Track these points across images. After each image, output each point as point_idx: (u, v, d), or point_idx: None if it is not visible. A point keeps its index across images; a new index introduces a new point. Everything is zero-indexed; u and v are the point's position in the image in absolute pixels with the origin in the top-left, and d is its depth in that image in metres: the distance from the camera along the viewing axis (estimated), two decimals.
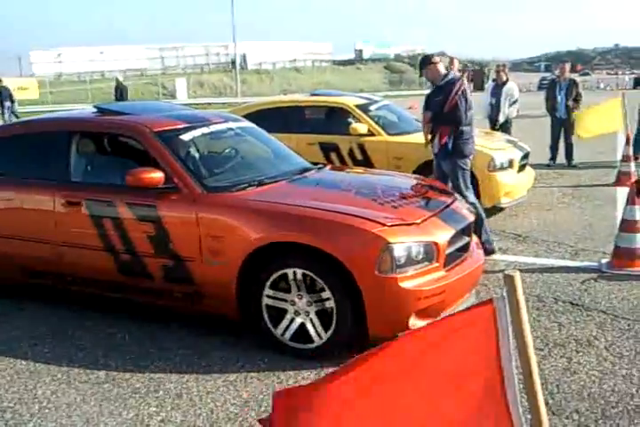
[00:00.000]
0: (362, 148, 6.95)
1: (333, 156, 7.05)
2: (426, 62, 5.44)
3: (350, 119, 7.18)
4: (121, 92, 16.49)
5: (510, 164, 6.69)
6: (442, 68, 5.38)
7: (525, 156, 7.17)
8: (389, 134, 6.96)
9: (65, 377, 3.40)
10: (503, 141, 7.35)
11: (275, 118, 7.10)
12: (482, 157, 6.49)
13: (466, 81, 5.45)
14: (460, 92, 5.17)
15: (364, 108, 7.27)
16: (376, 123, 7.10)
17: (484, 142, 6.99)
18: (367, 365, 1.46)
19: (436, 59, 5.48)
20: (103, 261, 3.97)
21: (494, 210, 6.67)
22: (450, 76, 5.32)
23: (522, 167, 7.02)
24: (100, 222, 3.93)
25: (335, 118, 7.43)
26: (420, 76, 5.81)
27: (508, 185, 6.59)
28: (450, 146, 5.27)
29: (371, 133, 6.96)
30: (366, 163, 6.79)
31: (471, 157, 5.48)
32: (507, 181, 6.58)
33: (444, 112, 5.21)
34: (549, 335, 3.73)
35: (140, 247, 3.83)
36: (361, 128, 6.88)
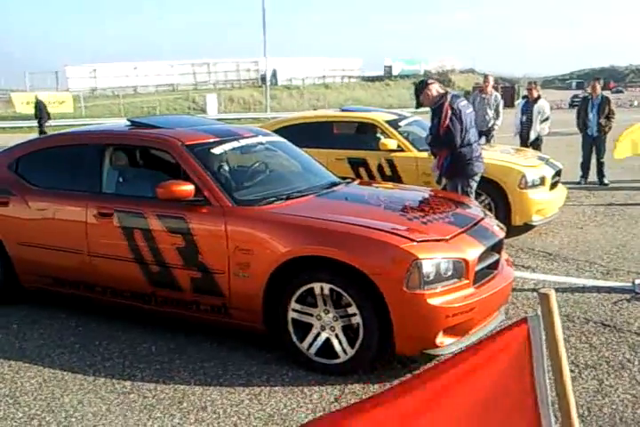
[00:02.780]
0: (391, 163, 6.94)
1: (362, 171, 7.06)
2: (421, 88, 5.35)
3: (380, 135, 7.19)
4: (40, 109, 16.29)
5: (542, 181, 6.61)
6: (434, 92, 5.32)
7: (557, 173, 7.08)
8: (419, 150, 6.94)
9: (91, 386, 3.42)
10: (535, 158, 7.28)
11: (304, 133, 7.14)
12: (513, 174, 6.44)
13: (457, 101, 5.25)
14: (449, 114, 5.10)
15: (393, 124, 7.27)
16: (405, 138, 7.10)
17: (515, 159, 6.94)
18: (402, 395, 1.42)
19: (430, 81, 5.45)
20: (133, 272, 4.01)
21: (524, 228, 6.58)
22: (440, 99, 5.24)
23: (554, 185, 6.93)
24: (131, 234, 3.98)
25: (365, 134, 7.45)
26: (418, 106, 5.53)
27: (539, 203, 6.50)
28: (447, 168, 5.24)
29: (400, 149, 6.95)
30: (395, 178, 6.77)
31: (477, 178, 5.43)
32: (538, 198, 6.49)
33: (439, 135, 5.19)
34: (580, 356, 3.64)
35: (170, 259, 3.86)
36: (390, 144, 6.88)
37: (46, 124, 15.18)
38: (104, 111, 36.89)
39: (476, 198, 6.28)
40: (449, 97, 5.24)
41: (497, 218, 6.24)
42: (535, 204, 6.47)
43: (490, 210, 6.36)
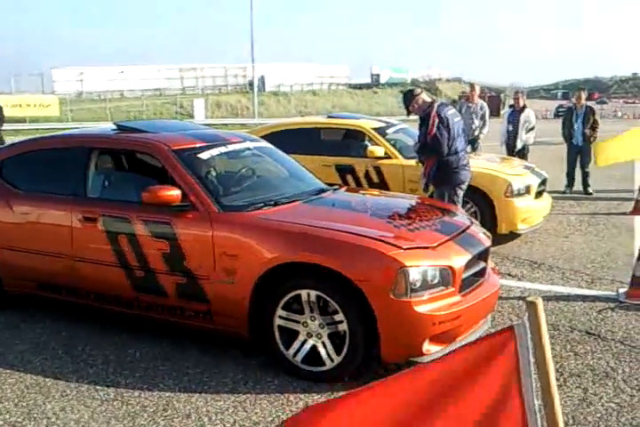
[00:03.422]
0: (378, 170, 6.97)
1: (349, 178, 7.07)
2: (410, 97, 5.39)
3: (367, 142, 7.21)
4: None
5: (527, 190, 6.66)
6: (423, 100, 5.36)
7: (543, 182, 7.14)
8: (406, 158, 6.96)
9: (74, 393, 3.38)
10: (521, 167, 7.33)
11: (292, 140, 7.14)
12: (499, 183, 6.48)
13: (444, 110, 5.29)
14: (437, 123, 5.14)
15: (380, 131, 7.30)
16: (392, 146, 7.13)
17: (501, 168, 6.98)
18: (381, 392, 1.43)
19: (418, 91, 5.50)
20: (117, 277, 3.97)
21: (510, 236, 6.61)
22: (428, 107, 5.28)
23: (539, 194, 6.98)
24: (116, 238, 3.95)
25: (352, 141, 7.46)
26: (408, 114, 5.59)
27: (525, 211, 6.55)
28: (432, 176, 5.28)
29: (387, 156, 6.98)
30: (382, 185, 6.79)
31: (464, 186, 5.47)
32: (524, 207, 6.54)
33: (427, 143, 5.22)
34: (565, 365, 3.66)
35: (155, 264, 3.83)
36: (377, 151, 6.90)
37: (2, 128, 14.61)
38: (90, 115, 36.66)
39: (462, 207, 6.32)
40: (436, 105, 5.27)
41: (483, 226, 6.30)
42: (521, 212, 6.51)
43: (476, 218, 6.40)
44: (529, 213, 6.62)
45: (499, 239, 6.12)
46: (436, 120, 5.15)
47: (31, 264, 4.34)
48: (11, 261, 4.44)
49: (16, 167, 4.63)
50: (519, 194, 6.54)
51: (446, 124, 5.19)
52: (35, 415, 3.16)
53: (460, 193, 5.46)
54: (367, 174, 7.01)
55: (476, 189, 6.27)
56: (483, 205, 6.43)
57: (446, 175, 5.29)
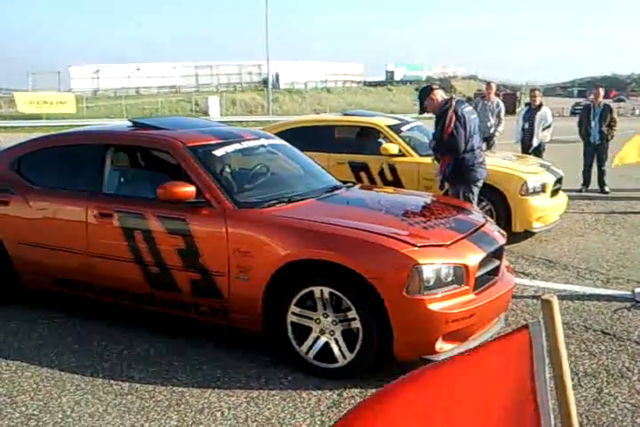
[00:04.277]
0: (392, 168, 6.95)
1: (363, 175, 7.06)
2: (425, 94, 5.37)
3: (381, 139, 7.19)
4: None
5: (543, 188, 6.61)
6: (439, 97, 5.33)
7: (559, 180, 7.08)
8: (420, 155, 6.94)
9: (89, 387, 3.41)
10: (536, 165, 7.28)
11: (306, 137, 7.14)
12: (515, 181, 6.44)
13: (462, 107, 5.26)
14: (454, 120, 5.10)
15: (395, 129, 7.28)
16: (407, 143, 7.10)
17: (517, 166, 6.93)
18: (398, 395, 1.42)
19: (435, 87, 5.47)
20: (132, 273, 4.00)
21: (525, 235, 6.57)
22: (444, 105, 5.26)
23: (555, 192, 6.92)
24: (131, 234, 3.97)
25: (366, 138, 7.45)
26: (422, 112, 5.57)
27: (540, 209, 6.50)
28: (447, 174, 5.25)
29: (402, 154, 6.96)
30: (396, 183, 6.77)
31: (479, 184, 5.43)
32: (539, 205, 6.49)
33: (443, 141, 5.19)
34: (579, 364, 3.63)
35: (169, 260, 3.85)
36: (392, 148, 6.88)
37: None
38: (106, 112, 36.92)
39: (477, 204, 6.29)
40: (454, 103, 5.24)
41: (497, 224, 6.26)
42: (536, 211, 6.46)
43: (491, 216, 6.36)
44: (544, 211, 6.57)
45: (513, 238, 6.08)
46: (454, 117, 5.12)
47: (47, 260, 4.39)
48: (28, 257, 4.49)
49: (33, 163, 4.68)
50: (534, 192, 6.50)
51: (463, 121, 5.16)
52: (50, 408, 3.19)
53: (476, 191, 5.43)
54: (381, 172, 7.00)
55: (492, 187, 6.23)
56: (498, 203, 6.39)
57: (462, 173, 5.26)
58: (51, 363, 3.71)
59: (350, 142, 7.59)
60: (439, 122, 5.26)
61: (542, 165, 7.34)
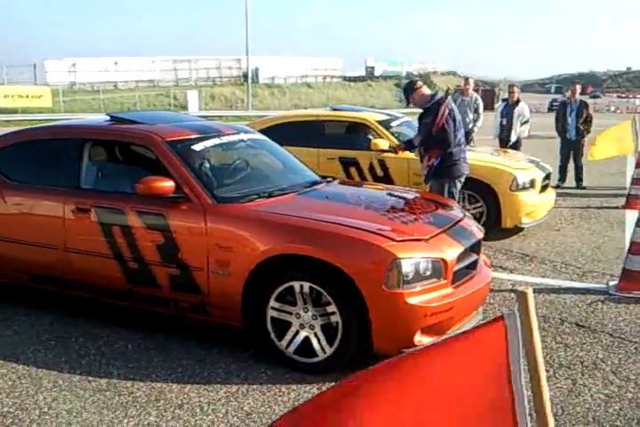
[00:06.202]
0: (382, 163, 6.93)
1: (353, 171, 7.05)
2: (411, 88, 5.41)
3: (371, 135, 7.18)
4: None
5: (532, 184, 6.65)
6: (426, 91, 5.37)
7: (547, 176, 7.14)
8: (410, 151, 6.95)
9: (66, 384, 3.38)
10: (525, 161, 7.32)
11: (295, 132, 7.12)
12: (504, 176, 6.47)
13: (451, 101, 5.35)
14: (446, 114, 5.14)
15: (385, 124, 7.27)
16: (397, 139, 7.09)
17: (506, 162, 6.97)
18: (370, 382, 1.44)
19: (419, 83, 5.51)
20: (110, 269, 3.97)
21: (503, 229, 6.63)
22: (436, 97, 5.29)
23: (544, 188, 6.98)
24: (109, 230, 3.94)
25: (356, 133, 7.42)
26: (407, 104, 5.70)
27: (530, 205, 6.54)
28: (436, 168, 5.28)
29: (392, 149, 6.96)
30: (386, 179, 6.77)
31: (462, 179, 5.48)
32: (529, 201, 6.53)
33: (432, 135, 5.21)
34: (555, 356, 3.69)
35: (148, 256, 3.83)
36: (382, 144, 6.85)
37: None
38: (83, 106, 36.41)
39: (467, 200, 6.35)
40: (449, 97, 5.30)
41: (488, 220, 6.32)
42: (526, 206, 6.50)
43: (481, 212, 6.42)
44: (533, 207, 6.61)
45: (492, 233, 6.14)
46: (446, 111, 5.15)
47: (24, 256, 4.33)
48: (3, 253, 4.42)
49: (9, 158, 4.61)
50: (524, 188, 6.53)
51: (453, 115, 5.21)
52: (27, 406, 3.16)
53: (459, 185, 5.46)
54: (371, 167, 6.98)
55: (481, 182, 6.27)
56: (488, 198, 6.42)
57: (448, 167, 5.29)
58: (27, 360, 3.68)
59: (340, 138, 7.56)
60: (428, 115, 5.28)
61: (531, 161, 7.39)
